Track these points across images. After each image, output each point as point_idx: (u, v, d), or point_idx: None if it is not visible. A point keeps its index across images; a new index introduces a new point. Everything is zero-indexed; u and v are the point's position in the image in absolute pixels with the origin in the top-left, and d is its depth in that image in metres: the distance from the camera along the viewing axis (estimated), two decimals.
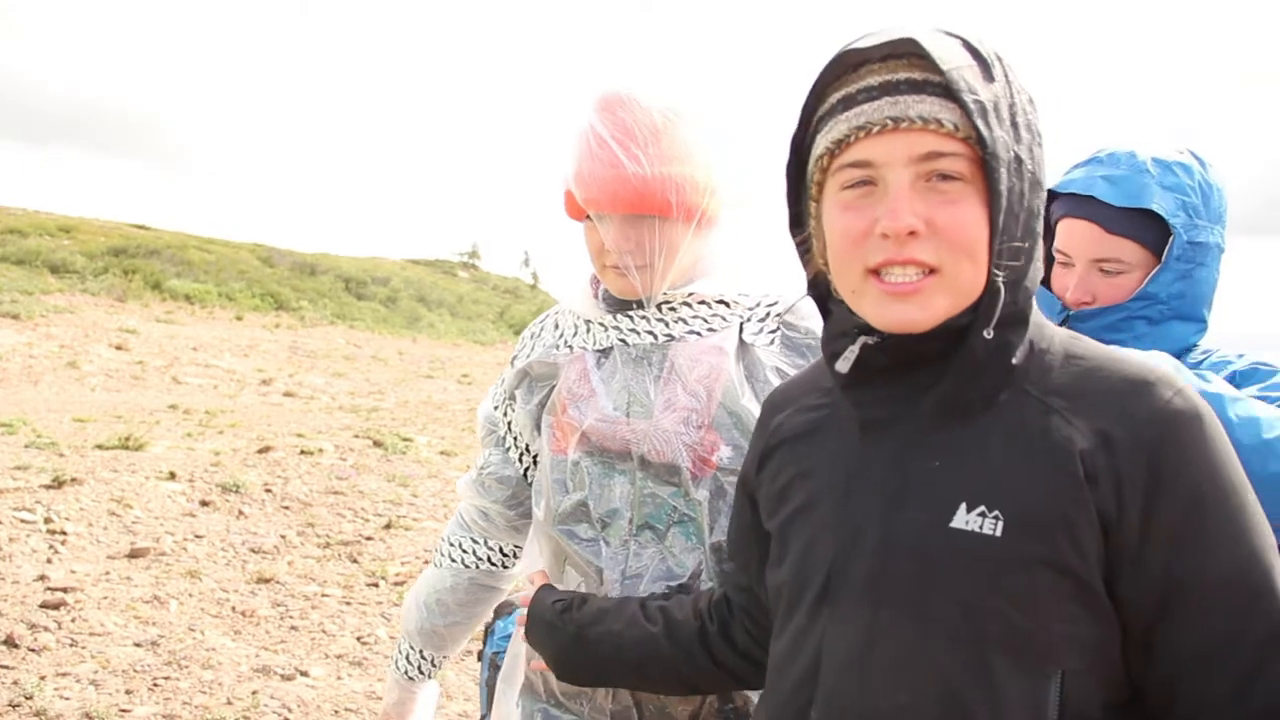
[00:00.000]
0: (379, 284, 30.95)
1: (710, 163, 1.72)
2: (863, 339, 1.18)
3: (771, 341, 1.78)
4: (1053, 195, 1.88)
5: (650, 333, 1.79)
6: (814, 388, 1.37)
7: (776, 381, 1.76)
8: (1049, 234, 1.89)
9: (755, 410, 1.72)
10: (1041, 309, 1.54)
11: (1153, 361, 1.17)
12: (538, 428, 1.90)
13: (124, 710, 4.28)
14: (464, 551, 2.12)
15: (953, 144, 1.09)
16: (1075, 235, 1.84)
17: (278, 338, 19.76)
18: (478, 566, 2.12)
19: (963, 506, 1.10)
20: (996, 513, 1.09)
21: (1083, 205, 1.82)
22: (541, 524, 1.87)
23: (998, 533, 1.08)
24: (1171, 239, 1.77)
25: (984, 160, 1.09)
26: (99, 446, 8.67)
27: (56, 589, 5.42)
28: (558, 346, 1.90)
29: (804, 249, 1.27)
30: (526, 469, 2.04)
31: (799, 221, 1.26)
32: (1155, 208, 1.76)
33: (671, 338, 1.77)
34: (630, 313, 1.80)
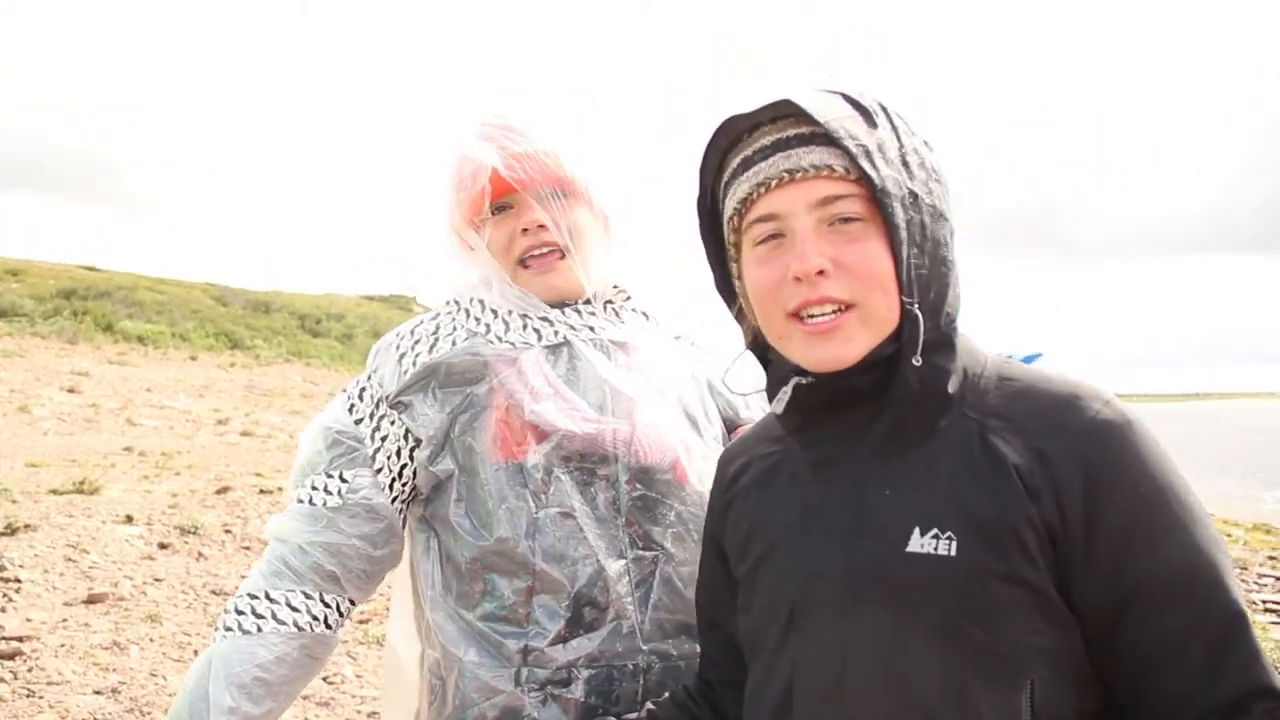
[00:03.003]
0: (334, 320, 30.78)
1: (598, 155, 1.76)
2: (795, 379, 1.24)
3: (695, 355, 1.85)
4: None
5: (604, 329, 1.75)
6: (766, 438, 1.42)
7: (715, 388, 1.82)
8: None
9: (704, 416, 1.77)
10: None
11: (1078, 379, 1.23)
12: (446, 439, 1.67)
13: None
14: (294, 610, 1.65)
15: (846, 186, 1.17)
16: None
17: (233, 377, 19.55)
18: (312, 629, 1.65)
19: (916, 530, 1.15)
20: (950, 533, 1.14)
21: None
22: (474, 552, 1.63)
23: (952, 552, 1.13)
24: None
25: (876, 197, 1.15)
26: (53, 491, 8.50)
27: (11, 638, 5.29)
28: (491, 342, 1.70)
29: (737, 310, 1.35)
30: (396, 499, 1.71)
31: (727, 285, 1.34)
32: None
33: (627, 336, 1.76)
34: (579, 308, 1.75)
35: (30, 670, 4.98)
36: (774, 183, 1.19)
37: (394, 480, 1.70)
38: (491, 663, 1.61)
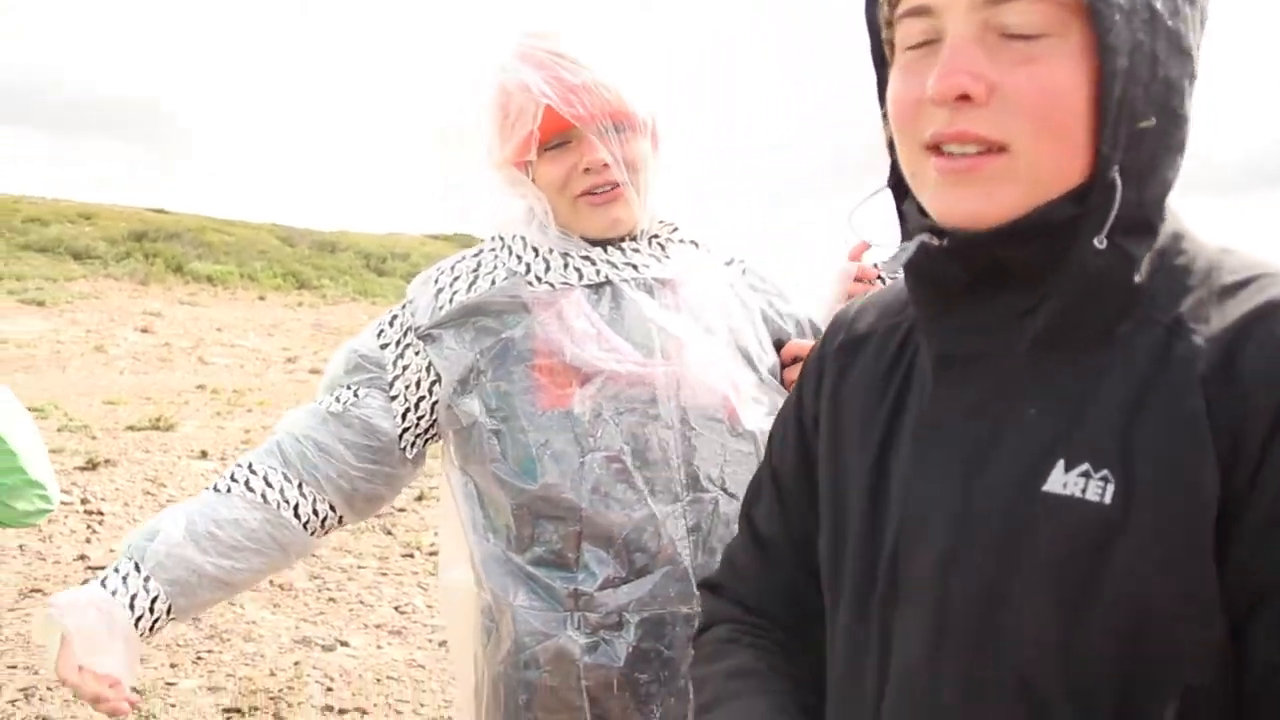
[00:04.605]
0: (399, 259, 30.99)
1: (649, 79, 1.66)
2: (923, 236, 0.91)
3: (745, 280, 1.77)
4: None
5: (648, 266, 1.67)
6: (888, 311, 1.08)
7: (770, 318, 1.74)
8: None
9: (758, 348, 1.70)
10: None
11: None
12: (471, 380, 1.62)
13: (169, 684, 4.33)
14: (268, 485, 1.64)
15: None
16: None
17: (300, 316, 19.80)
18: (279, 509, 1.64)
19: (1060, 464, 0.85)
20: (1105, 472, 0.83)
21: None
22: (519, 498, 1.59)
23: (1106, 498, 0.82)
24: None
25: (1089, 2, 0.81)
26: (130, 428, 8.74)
27: (96, 568, 5.47)
28: (531, 283, 1.64)
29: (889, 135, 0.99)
30: (405, 432, 1.68)
31: (885, 92, 0.97)
32: None
33: (672, 273, 1.69)
34: (622, 246, 1.68)
35: None
36: None
37: (407, 411, 1.68)
38: (542, 606, 1.60)
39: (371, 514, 1.78)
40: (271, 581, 5.58)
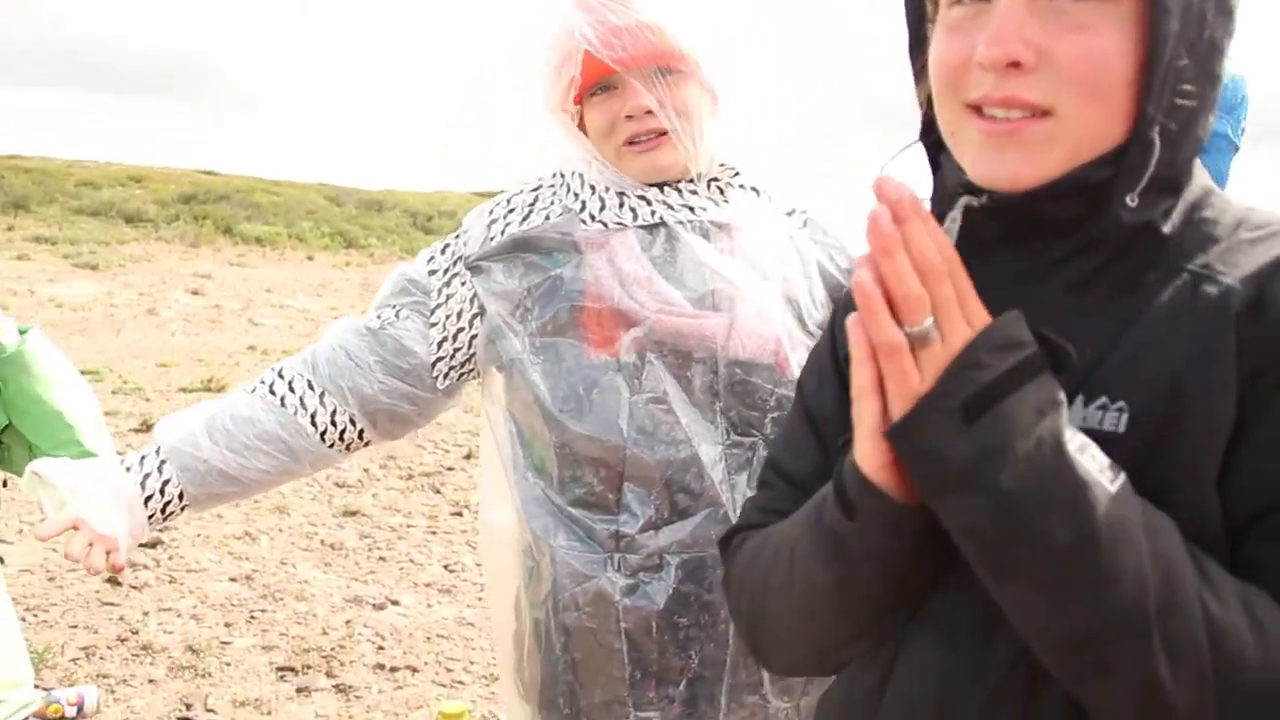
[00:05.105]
0: (445, 217, 31.06)
1: (704, 19, 1.59)
2: (965, 199, 0.94)
3: (805, 231, 1.70)
4: None
5: (705, 209, 1.62)
6: None
7: (828, 272, 1.67)
8: None
9: (810, 301, 1.64)
10: None
11: None
12: (516, 315, 1.61)
13: (224, 642, 4.40)
14: (289, 390, 1.67)
15: None
16: None
17: (349, 275, 19.92)
18: (296, 415, 1.65)
19: (1080, 398, 0.87)
20: (1121, 404, 0.86)
21: None
22: (561, 437, 1.57)
23: (1120, 427, 0.85)
24: None
25: None
26: (183, 390, 8.86)
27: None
28: (585, 221, 1.61)
29: (921, 79, 1.01)
30: (439, 361, 1.68)
31: (921, 50, 0.99)
32: None
33: (730, 217, 1.64)
34: (679, 188, 1.63)
35: (171, 558, 5.24)
36: None
37: (444, 340, 1.67)
38: (582, 547, 1.58)
39: (398, 435, 1.78)
40: (323, 541, 5.65)
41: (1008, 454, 0.76)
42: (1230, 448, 0.82)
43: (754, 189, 1.70)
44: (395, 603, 4.93)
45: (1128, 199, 0.86)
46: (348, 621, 4.67)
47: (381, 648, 4.46)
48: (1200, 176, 0.93)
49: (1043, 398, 0.79)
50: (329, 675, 4.19)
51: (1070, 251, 0.91)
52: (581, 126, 1.63)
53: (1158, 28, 0.82)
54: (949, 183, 0.96)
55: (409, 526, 6.01)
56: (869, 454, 0.85)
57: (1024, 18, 0.83)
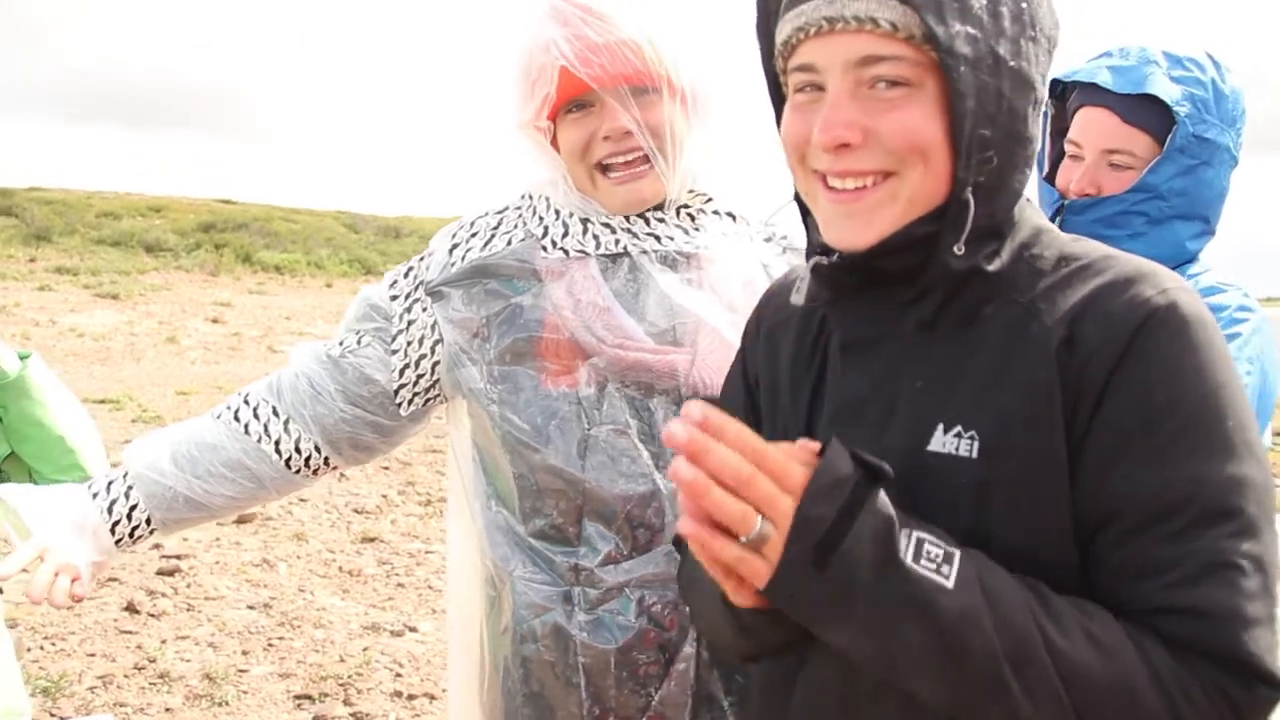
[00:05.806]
0: None
1: (686, 40, 1.53)
2: (816, 259, 1.09)
3: (784, 259, 1.65)
4: (1071, 86, 1.87)
5: (672, 238, 1.57)
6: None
7: None
8: (1065, 127, 1.87)
9: None
10: (1042, 203, 1.36)
11: (1150, 262, 1.03)
12: (475, 343, 1.57)
13: (241, 670, 4.39)
14: (254, 417, 1.66)
15: (893, 46, 0.98)
16: (1089, 123, 1.81)
17: None
18: (260, 442, 1.64)
19: (940, 427, 1.02)
20: (972, 433, 1.00)
21: (1099, 94, 1.79)
22: (522, 469, 1.55)
23: (973, 453, 0.99)
24: (1175, 128, 1.72)
25: (940, 59, 0.96)
26: None
27: (171, 556, 5.57)
28: (545, 249, 1.57)
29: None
30: (401, 388, 1.65)
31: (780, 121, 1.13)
32: (1159, 93, 1.72)
33: (698, 247, 1.58)
34: (647, 215, 1.57)
35: (189, 586, 5.24)
36: (813, 30, 1.01)
37: (406, 368, 1.63)
38: (542, 579, 1.56)
39: (364, 462, 1.77)
40: (341, 568, 5.64)
41: (858, 586, 0.88)
42: (1071, 471, 0.97)
43: (730, 215, 1.66)
44: (413, 629, 4.91)
45: (955, 248, 1.01)
46: (365, 649, 4.65)
47: (399, 675, 4.44)
48: (1034, 218, 1.09)
49: (876, 524, 0.88)
50: (346, 703, 4.17)
51: (915, 295, 1.05)
52: (554, 144, 1.59)
53: (955, 108, 0.97)
54: (810, 237, 1.13)
55: (427, 553, 5.99)
56: (742, 600, 0.96)
57: (848, 105, 1.00)
